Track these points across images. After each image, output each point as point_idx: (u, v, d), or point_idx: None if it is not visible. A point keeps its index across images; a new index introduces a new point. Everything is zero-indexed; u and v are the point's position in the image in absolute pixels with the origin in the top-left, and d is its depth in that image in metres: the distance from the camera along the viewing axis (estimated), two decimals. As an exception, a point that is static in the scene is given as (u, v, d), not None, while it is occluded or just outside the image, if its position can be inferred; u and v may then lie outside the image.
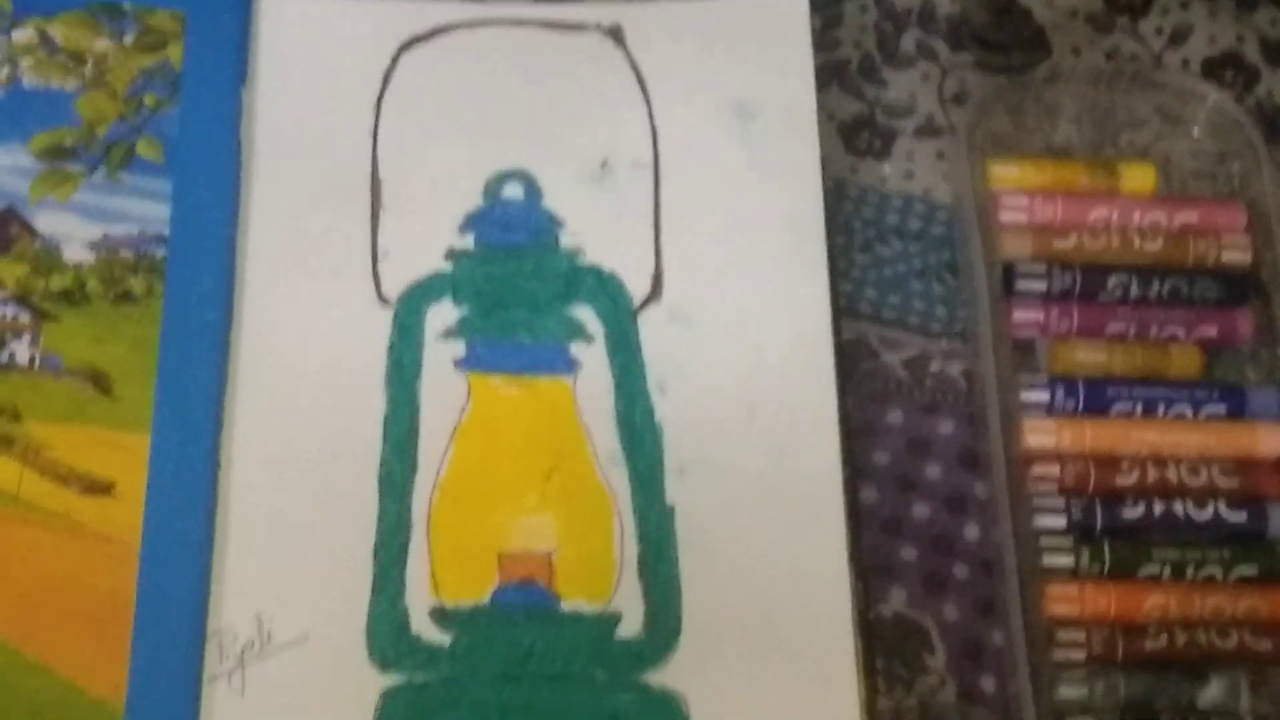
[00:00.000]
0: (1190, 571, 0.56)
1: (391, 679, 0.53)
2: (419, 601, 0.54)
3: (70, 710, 0.51)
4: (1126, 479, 0.57)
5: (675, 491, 0.56)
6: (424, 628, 0.54)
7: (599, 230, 0.60)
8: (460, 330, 0.58)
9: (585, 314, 0.58)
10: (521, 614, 0.54)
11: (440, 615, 0.54)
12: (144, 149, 0.59)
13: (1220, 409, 0.59)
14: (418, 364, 0.57)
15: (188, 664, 0.52)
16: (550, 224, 0.60)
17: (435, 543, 0.55)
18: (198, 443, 0.55)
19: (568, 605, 0.54)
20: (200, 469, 0.55)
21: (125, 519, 0.54)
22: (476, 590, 0.54)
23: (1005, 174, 0.62)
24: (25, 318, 0.56)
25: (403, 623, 0.54)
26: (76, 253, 0.57)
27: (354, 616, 0.54)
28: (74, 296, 0.57)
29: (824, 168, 0.61)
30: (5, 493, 0.54)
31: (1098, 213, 0.61)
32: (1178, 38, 0.67)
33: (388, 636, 0.53)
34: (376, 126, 0.61)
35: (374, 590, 0.54)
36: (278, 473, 0.55)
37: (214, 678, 0.52)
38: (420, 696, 0.53)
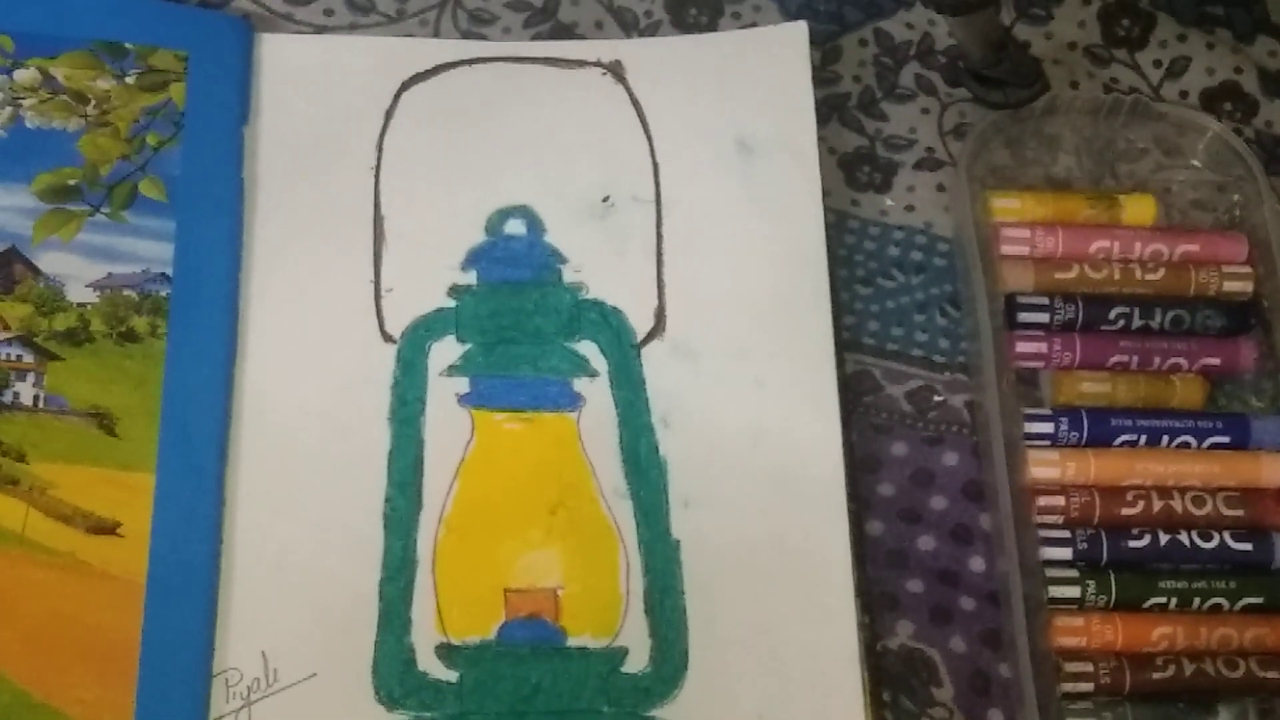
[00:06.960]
0: (1197, 602, 0.56)
1: (398, 717, 0.53)
2: (425, 638, 0.54)
3: (76, 751, 0.51)
4: (1131, 510, 0.57)
5: (680, 525, 0.56)
6: (430, 665, 0.54)
7: (602, 265, 0.60)
8: (464, 366, 0.58)
9: (588, 349, 0.58)
10: (528, 650, 0.54)
11: (446, 652, 0.54)
12: (147, 188, 0.59)
13: (1224, 439, 0.59)
14: (421, 400, 0.57)
15: (194, 703, 0.52)
16: (553, 259, 0.60)
17: (441, 579, 0.55)
18: (202, 482, 0.55)
19: (574, 641, 0.54)
20: (205, 508, 0.54)
21: (131, 558, 0.53)
22: (483, 627, 0.54)
23: (1006, 206, 0.62)
24: (29, 358, 0.56)
25: (409, 660, 0.54)
26: (80, 293, 0.58)
27: (360, 654, 0.53)
28: (78, 336, 0.57)
29: (825, 201, 0.61)
30: (11, 533, 0.54)
31: (1099, 244, 0.61)
32: (1176, 70, 0.67)
33: (394, 674, 0.53)
34: (379, 164, 0.61)
35: (380, 627, 0.54)
36: (283, 511, 0.55)
37: (221, 717, 0.52)
38: (427, 734, 0.53)
